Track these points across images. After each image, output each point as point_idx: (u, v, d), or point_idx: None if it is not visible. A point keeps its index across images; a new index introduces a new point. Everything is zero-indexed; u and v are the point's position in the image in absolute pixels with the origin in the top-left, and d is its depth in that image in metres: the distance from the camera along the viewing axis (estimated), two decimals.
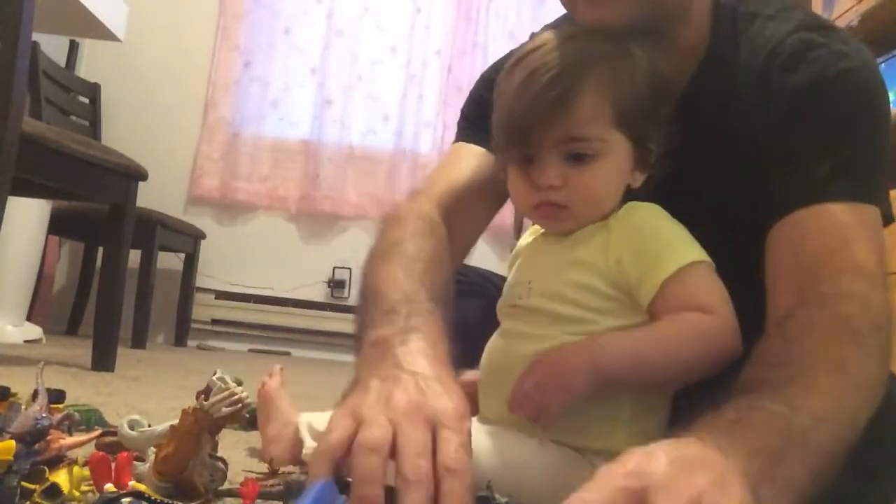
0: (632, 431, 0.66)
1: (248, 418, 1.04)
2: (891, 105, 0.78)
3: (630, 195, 0.74)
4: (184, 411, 0.69)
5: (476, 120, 0.93)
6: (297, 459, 0.93)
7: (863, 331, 0.62)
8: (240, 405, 0.71)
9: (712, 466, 0.46)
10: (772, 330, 0.66)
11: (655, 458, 0.46)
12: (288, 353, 3.41)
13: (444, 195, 0.86)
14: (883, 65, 2.36)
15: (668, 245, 0.69)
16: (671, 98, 0.76)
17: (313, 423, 0.95)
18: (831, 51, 0.73)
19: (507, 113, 0.71)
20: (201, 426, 0.69)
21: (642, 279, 0.68)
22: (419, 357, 0.56)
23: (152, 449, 0.73)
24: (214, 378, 0.72)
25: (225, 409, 0.70)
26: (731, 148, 0.78)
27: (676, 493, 0.42)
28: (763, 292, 0.71)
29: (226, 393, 0.70)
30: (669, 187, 0.75)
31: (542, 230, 0.79)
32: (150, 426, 0.80)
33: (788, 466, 0.51)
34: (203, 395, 0.71)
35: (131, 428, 0.80)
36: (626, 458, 0.46)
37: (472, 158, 0.90)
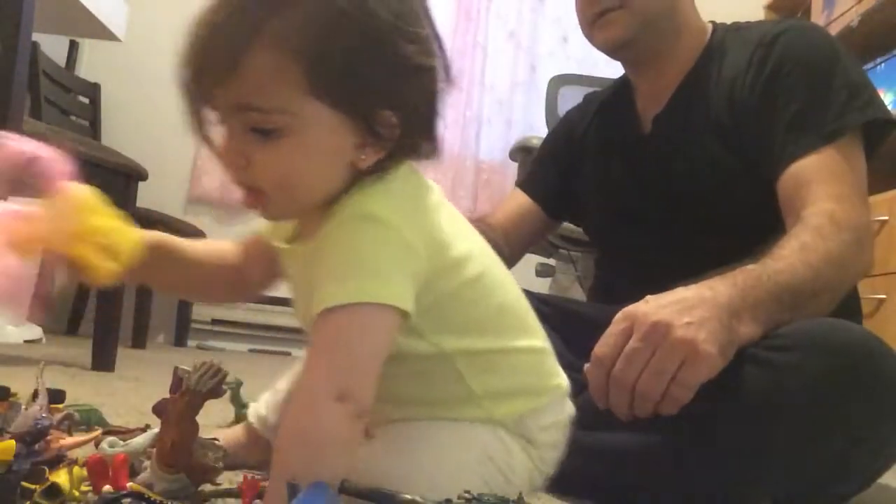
0: (491, 402, 0.68)
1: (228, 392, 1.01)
2: (843, 58, 1.00)
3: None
4: (171, 400, 0.68)
5: (535, 176, 1.32)
6: (264, 452, 0.90)
7: (825, 227, 0.86)
8: (221, 372, 0.70)
9: (690, 300, 0.72)
10: None
11: (643, 301, 0.74)
12: (288, 353, 3.40)
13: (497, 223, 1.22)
14: (883, 65, 2.36)
15: (338, 272, 0.56)
16: (420, 37, 0.57)
17: (259, 409, 0.90)
18: (795, 32, 1.01)
19: (182, 51, 0.55)
20: (194, 406, 0.68)
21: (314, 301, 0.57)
22: None
23: (142, 459, 0.72)
24: (178, 372, 0.71)
25: (210, 382, 0.68)
26: (716, 130, 1.01)
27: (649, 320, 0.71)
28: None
29: (205, 366, 0.69)
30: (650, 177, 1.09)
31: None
32: (126, 443, 0.78)
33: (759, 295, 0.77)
34: (181, 389, 0.69)
35: (111, 447, 0.78)
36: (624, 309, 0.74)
37: (519, 204, 1.27)
